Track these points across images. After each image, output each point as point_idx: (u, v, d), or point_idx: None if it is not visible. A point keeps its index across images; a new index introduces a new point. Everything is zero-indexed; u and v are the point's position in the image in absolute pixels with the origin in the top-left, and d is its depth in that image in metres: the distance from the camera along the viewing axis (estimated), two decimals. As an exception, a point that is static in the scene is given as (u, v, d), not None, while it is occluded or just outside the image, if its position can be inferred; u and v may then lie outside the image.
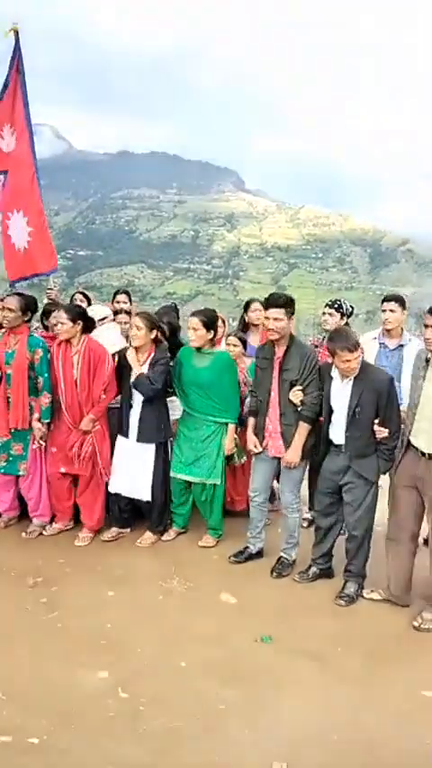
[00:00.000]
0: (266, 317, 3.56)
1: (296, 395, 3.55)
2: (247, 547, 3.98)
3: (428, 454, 3.21)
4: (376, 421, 3.36)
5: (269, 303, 3.58)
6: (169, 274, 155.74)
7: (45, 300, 4.82)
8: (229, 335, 4.48)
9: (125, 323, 4.59)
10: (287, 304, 3.57)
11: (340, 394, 3.43)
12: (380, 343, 4.18)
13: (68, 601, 3.39)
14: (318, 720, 2.60)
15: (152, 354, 3.90)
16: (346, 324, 4.33)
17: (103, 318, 4.43)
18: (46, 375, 3.88)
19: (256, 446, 3.77)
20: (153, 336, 3.89)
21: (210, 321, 3.89)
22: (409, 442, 3.32)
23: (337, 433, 3.48)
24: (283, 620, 3.33)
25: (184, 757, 2.36)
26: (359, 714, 2.66)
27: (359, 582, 3.62)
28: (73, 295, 5.35)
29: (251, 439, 3.80)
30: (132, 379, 3.88)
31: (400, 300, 4.19)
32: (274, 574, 3.79)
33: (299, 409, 3.58)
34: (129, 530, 4.22)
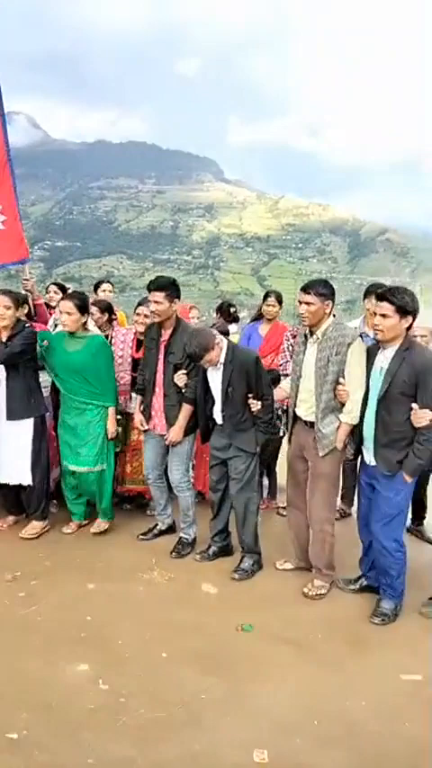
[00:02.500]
0: (150, 300, 3.64)
1: (180, 378, 3.68)
2: (156, 524, 4.11)
3: (309, 422, 3.41)
4: (251, 395, 3.51)
5: (149, 286, 3.64)
6: (149, 265, 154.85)
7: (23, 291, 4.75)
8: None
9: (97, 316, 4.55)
10: (167, 287, 3.61)
11: (215, 378, 3.56)
12: (361, 334, 4.19)
13: (48, 594, 3.36)
14: (298, 706, 2.62)
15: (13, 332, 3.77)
16: None
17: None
18: None
19: (142, 424, 3.90)
20: (19, 315, 3.82)
21: (83, 305, 3.85)
22: (295, 413, 3.51)
23: (217, 413, 3.63)
24: (264, 608, 3.34)
25: (166, 748, 2.36)
26: (339, 699, 2.68)
27: (254, 558, 3.72)
28: (48, 286, 5.27)
29: (137, 417, 3.93)
30: None
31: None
32: (173, 554, 3.87)
33: (182, 391, 3.69)
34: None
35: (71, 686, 2.67)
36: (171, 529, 4.11)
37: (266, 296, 4.76)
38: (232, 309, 5.14)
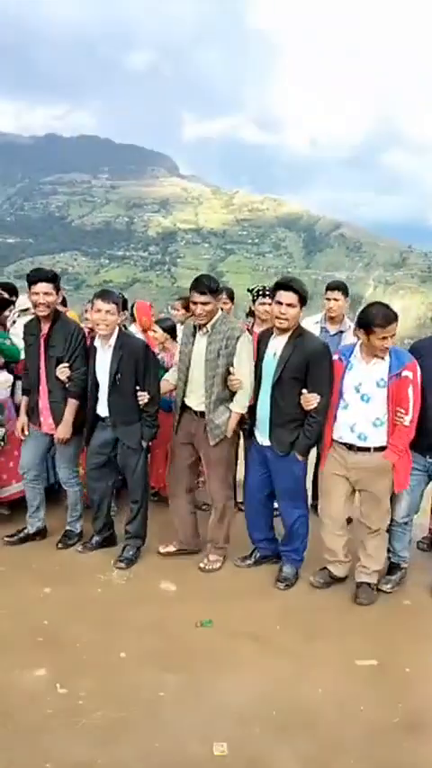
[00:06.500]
0: (35, 293, 3.51)
1: (62, 371, 3.61)
2: (24, 527, 3.94)
3: (199, 412, 3.53)
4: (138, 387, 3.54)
5: (32, 278, 3.53)
6: (104, 262, 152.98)
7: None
8: (156, 322, 4.48)
9: None
10: (55, 279, 3.59)
11: (102, 363, 3.56)
12: (321, 328, 4.27)
13: (3, 600, 3.30)
14: (257, 698, 2.66)
15: None
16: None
17: (26, 309, 4.30)
18: None
19: (24, 429, 3.76)
20: None
21: None
22: (183, 403, 3.60)
23: (103, 404, 3.60)
24: (224, 604, 3.36)
25: (125, 748, 2.36)
26: (297, 688, 2.73)
27: (137, 544, 3.81)
28: None
29: (21, 420, 3.80)
30: None
31: (343, 289, 4.31)
32: (60, 545, 3.87)
33: (66, 386, 3.64)
34: None
35: (28, 692, 2.63)
36: (41, 533, 3.96)
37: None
38: None
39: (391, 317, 3.13)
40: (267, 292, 4.37)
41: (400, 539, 3.57)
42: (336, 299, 4.22)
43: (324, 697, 2.68)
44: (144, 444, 3.64)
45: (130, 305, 4.62)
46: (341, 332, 4.23)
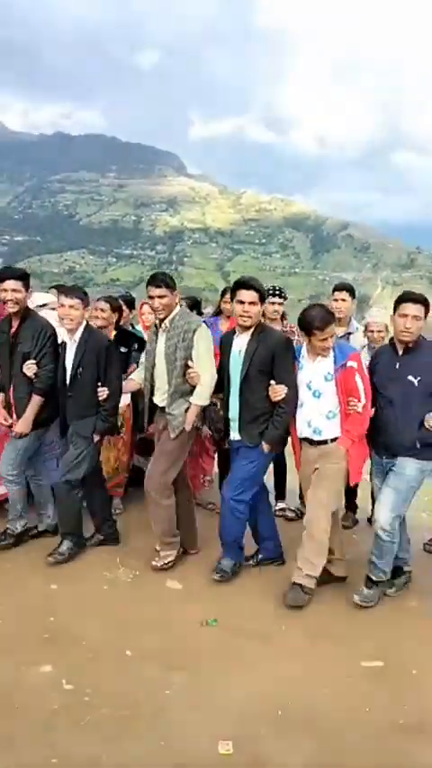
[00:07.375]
0: (4, 289, 3.58)
1: (29, 368, 3.65)
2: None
3: (162, 407, 3.58)
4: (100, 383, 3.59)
5: (1, 275, 3.60)
6: (112, 260, 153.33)
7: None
8: None
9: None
10: (24, 276, 3.66)
11: (68, 357, 3.64)
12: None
13: (9, 597, 3.32)
14: (262, 697, 2.66)
15: None
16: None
17: (43, 305, 4.34)
18: None
19: (5, 419, 3.81)
20: None
21: None
22: (151, 401, 3.66)
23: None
24: (229, 603, 3.37)
25: (131, 745, 2.36)
26: (303, 688, 2.73)
27: (73, 540, 3.75)
28: None
29: (0, 413, 3.84)
30: None
31: (350, 290, 4.30)
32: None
33: (33, 382, 3.67)
34: None
35: (35, 687, 2.65)
36: (52, 530, 4.01)
37: (223, 293, 4.76)
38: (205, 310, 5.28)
39: (328, 319, 3.23)
40: (276, 292, 4.38)
41: None
42: (343, 300, 4.20)
43: (329, 698, 2.68)
44: (95, 437, 3.66)
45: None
46: (349, 333, 4.21)
